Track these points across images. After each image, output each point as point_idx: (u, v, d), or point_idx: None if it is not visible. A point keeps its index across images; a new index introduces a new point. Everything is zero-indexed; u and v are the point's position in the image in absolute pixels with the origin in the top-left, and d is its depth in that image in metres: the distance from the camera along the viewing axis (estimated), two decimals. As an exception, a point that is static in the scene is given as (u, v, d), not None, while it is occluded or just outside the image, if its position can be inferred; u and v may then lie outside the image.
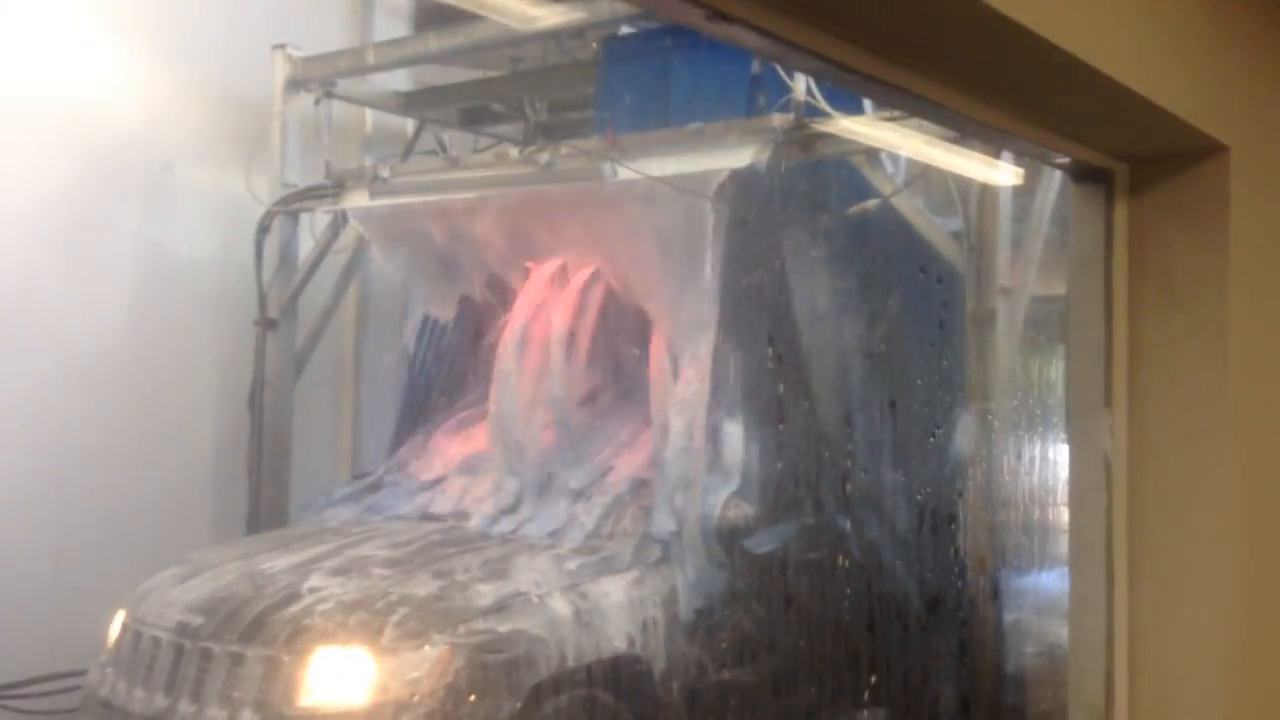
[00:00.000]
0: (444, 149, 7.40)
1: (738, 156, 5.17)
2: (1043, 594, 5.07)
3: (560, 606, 4.39)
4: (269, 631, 4.24)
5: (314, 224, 6.95)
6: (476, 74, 7.12)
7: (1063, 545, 5.17)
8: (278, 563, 4.73)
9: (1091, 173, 2.42)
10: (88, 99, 6.26)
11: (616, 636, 4.50)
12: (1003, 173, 4.82)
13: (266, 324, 6.83)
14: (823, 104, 4.91)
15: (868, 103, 5.29)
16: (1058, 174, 5.18)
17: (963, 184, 5.08)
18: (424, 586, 4.36)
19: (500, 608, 4.26)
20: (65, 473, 6.12)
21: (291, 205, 6.81)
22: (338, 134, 7.08)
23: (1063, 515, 5.24)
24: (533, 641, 4.24)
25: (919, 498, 5.13)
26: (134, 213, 6.60)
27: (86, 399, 6.25)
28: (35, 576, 5.76)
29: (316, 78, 6.83)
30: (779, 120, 5.15)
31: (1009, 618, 4.80)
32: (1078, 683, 2.41)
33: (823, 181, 5.47)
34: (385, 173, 6.23)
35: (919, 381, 5.23)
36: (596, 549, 4.77)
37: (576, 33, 6.21)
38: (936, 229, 5.21)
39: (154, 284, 6.63)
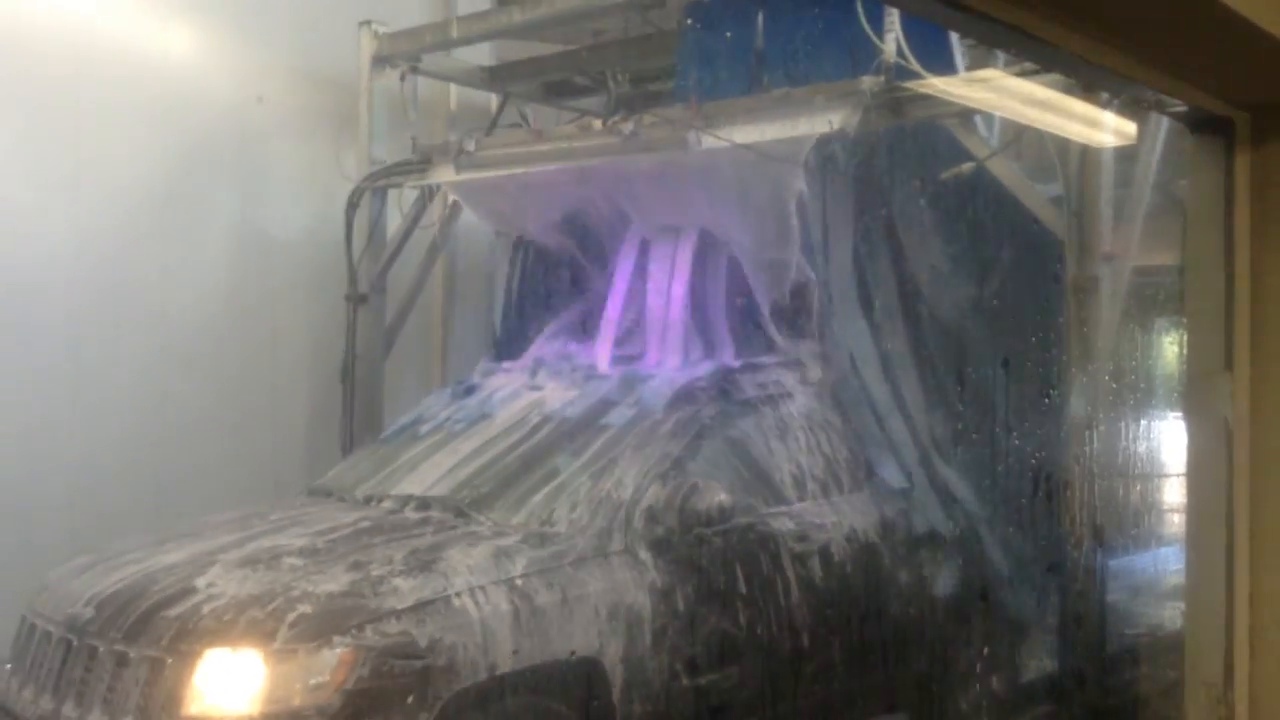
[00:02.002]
0: (527, 123, 7.40)
1: (826, 120, 5.05)
2: (1153, 572, 4.90)
3: (494, 605, 3.86)
4: (155, 630, 3.78)
5: (401, 199, 7.00)
6: (558, 48, 7.09)
7: (1170, 521, 5.03)
8: (181, 553, 4.26)
9: (1210, 122, 2.28)
10: (180, 79, 6.38)
11: (568, 638, 3.97)
12: (1105, 133, 4.63)
13: (357, 299, 6.91)
14: (914, 64, 4.76)
15: (960, 62, 5.14)
16: (1162, 136, 4.99)
17: (1062, 146, 4.90)
18: (332, 581, 3.85)
19: (418, 606, 3.75)
20: (165, 446, 6.28)
21: (380, 181, 6.87)
22: (423, 109, 7.11)
23: (1170, 488, 5.09)
24: (455, 644, 3.72)
25: (1033, 461, 4.95)
26: (226, 191, 6.72)
27: (184, 374, 6.39)
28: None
29: (402, 53, 6.86)
30: (868, 83, 5.01)
31: (1120, 593, 4.64)
32: (1195, 660, 2.29)
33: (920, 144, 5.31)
34: (471, 147, 6.23)
35: (1032, 339, 5.04)
36: (547, 539, 4.24)
37: (658, 2, 6.14)
38: (1034, 193, 5.04)
39: (247, 261, 6.74)
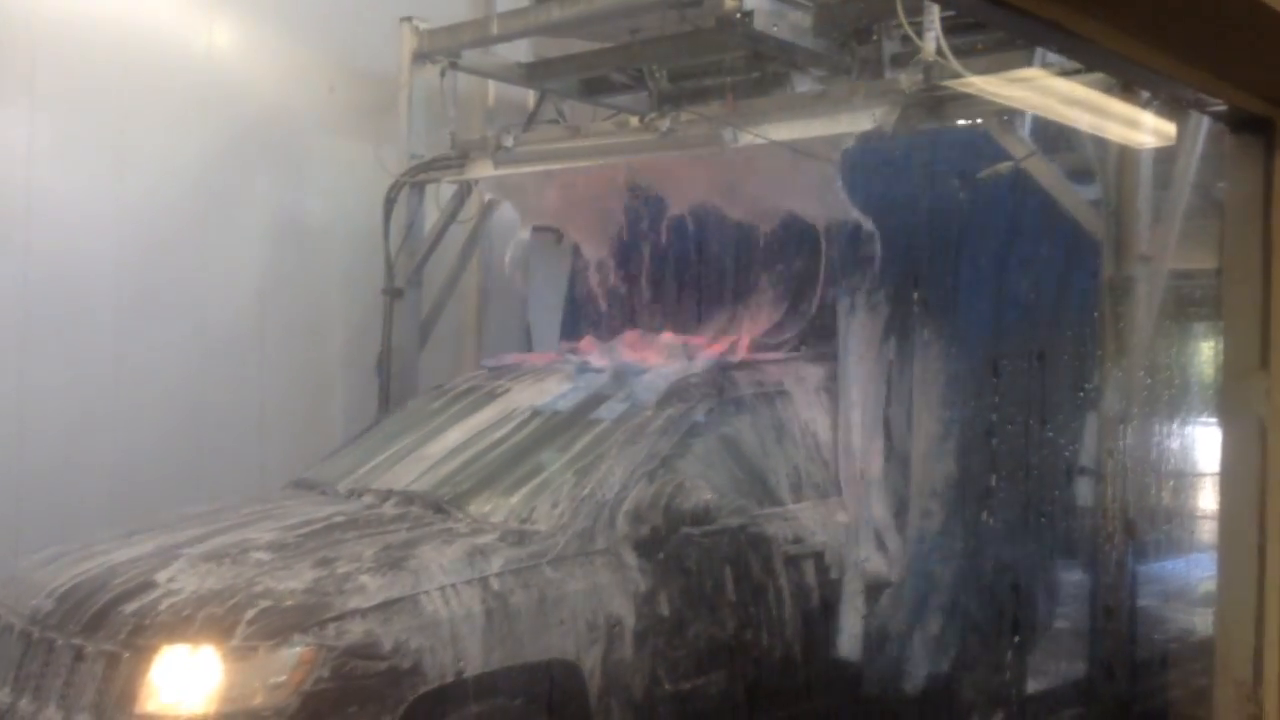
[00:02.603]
0: (564, 119, 7.44)
1: (863, 120, 5.07)
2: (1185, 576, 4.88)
3: (466, 605, 3.74)
4: (112, 624, 3.66)
5: (439, 194, 7.06)
6: (596, 45, 7.12)
7: (1203, 526, 5.00)
8: (146, 546, 4.14)
9: (1250, 121, 2.28)
10: (220, 73, 6.47)
11: (543, 641, 3.86)
12: (1143, 134, 4.62)
13: (393, 293, 6.98)
14: (953, 63, 4.76)
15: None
16: (1202, 137, 4.96)
17: (1100, 146, 4.89)
18: (296, 578, 3.72)
19: (385, 605, 3.63)
20: (204, 437, 6.37)
21: (418, 176, 6.93)
22: (462, 105, 7.17)
23: (1203, 492, 5.06)
24: (422, 645, 3.60)
25: (1066, 453, 4.92)
26: (265, 184, 6.80)
27: (223, 366, 6.49)
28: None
29: (442, 49, 6.92)
30: (906, 82, 5.02)
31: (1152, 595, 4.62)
32: (1225, 657, 2.30)
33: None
34: (509, 142, 6.28)
35: (1068, 334, 5.01)
36: (526, 538, 4.09)
37: (696, 1, 6.16)
38: (1072, 193, 5.03)
39: (285, 254, 6.83)
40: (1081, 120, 4.62)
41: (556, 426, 4.85)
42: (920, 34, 4.88)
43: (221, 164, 6.54)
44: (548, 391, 5.05)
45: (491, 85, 7.67)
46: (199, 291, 6.42)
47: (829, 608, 4.66)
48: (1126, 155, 4.78)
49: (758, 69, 6.23)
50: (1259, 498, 2.29)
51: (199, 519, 4.50)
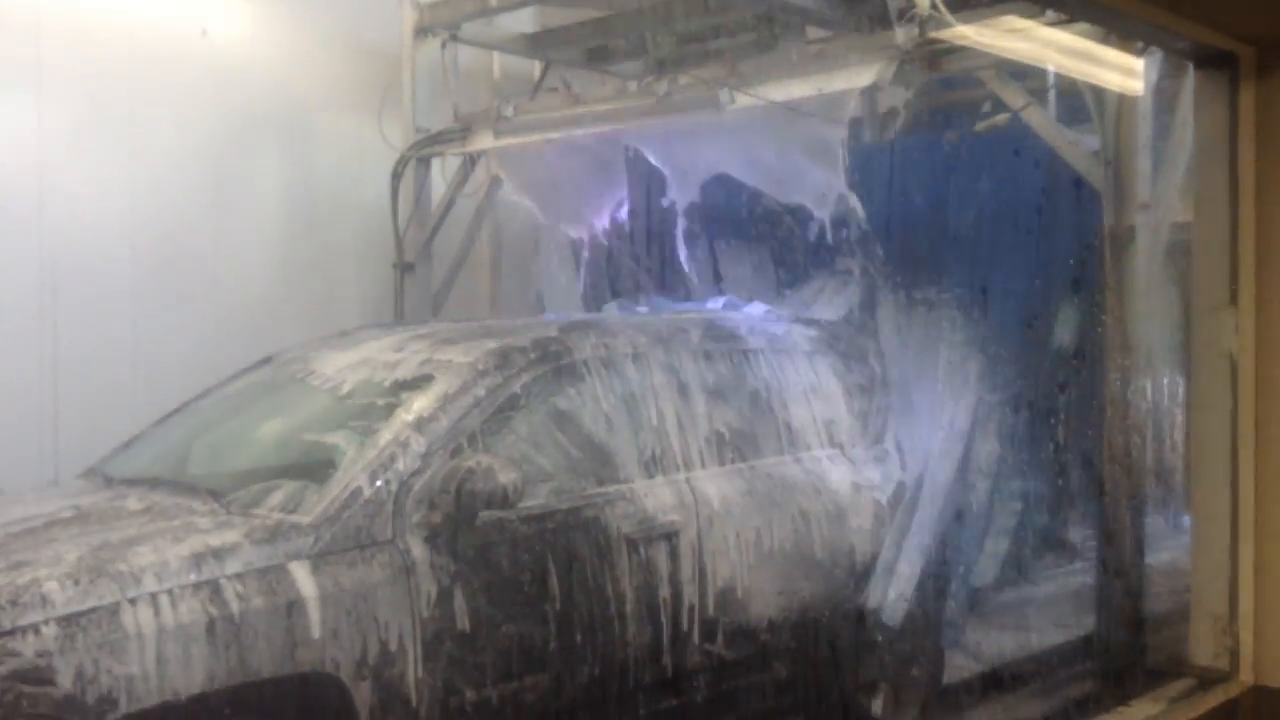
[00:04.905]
0: (568, 89, 7.44)
1: (861, 76, 5.06)
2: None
3: (181, 614, 3.22)
4: None
5: (445, 167, 7.10)
6: (600, 13, 7.12)
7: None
8: None
9: (1215, 57, 2.28)
10: (226, 55, 6.52)
11: (291, 652, 3.35)
12: (1141, 81, 4.58)
13: (404, 267, 7.05)
14: (946, 15, 4.74)
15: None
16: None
17: (1098, 95, 4.86)
18: None
19: (69, 618, 3.09)
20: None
21: (423, 150, 6.98)
22: (466, 78, 7.19)
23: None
24: (115, 664, 3.09)
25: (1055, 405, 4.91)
26: (274, 163, 6.87)
27: (239, 343, 6.53)
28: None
29: (443, 22, 6.95)
30: (902, 36, 5.00)
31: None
32: (1200, 591, 2.32)
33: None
34: (509, 112, 6.31)
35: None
36: (279, 532, 3.50)
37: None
38: (1070, 144, 5.01)
39: (297, 232, 6.90)
40: (1078, 70, 4.59)
41: (359, 400, 4.20)
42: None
43: (230, 145, 6.61)
44: (369, 361, 4.39)
45: (496, 57, 7.68)
46: (212, 272, 6.50)
47: (681, 593, 4.22)
48: (1124, 104, 4.74)
49: (761, 30, 6.22)
50: (1230, 433, 2.30)
51: None
